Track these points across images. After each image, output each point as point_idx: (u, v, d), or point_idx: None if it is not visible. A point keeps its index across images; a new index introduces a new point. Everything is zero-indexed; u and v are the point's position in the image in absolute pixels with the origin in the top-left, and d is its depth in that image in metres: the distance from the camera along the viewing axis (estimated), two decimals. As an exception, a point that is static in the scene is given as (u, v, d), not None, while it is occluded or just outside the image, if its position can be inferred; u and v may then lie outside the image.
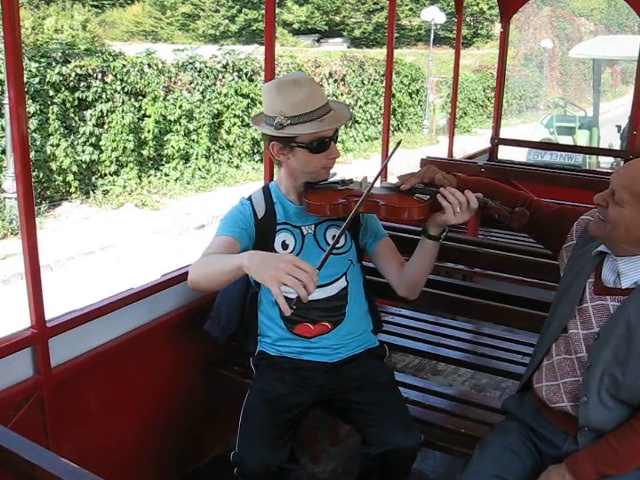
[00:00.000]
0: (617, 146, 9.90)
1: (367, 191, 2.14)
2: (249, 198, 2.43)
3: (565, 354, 2.02)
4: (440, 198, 2.10)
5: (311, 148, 2.24)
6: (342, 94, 16.90)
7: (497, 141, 6.27)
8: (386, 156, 4.46)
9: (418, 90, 20.66)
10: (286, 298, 1.76)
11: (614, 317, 1.90)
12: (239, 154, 13.69)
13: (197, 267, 2.11)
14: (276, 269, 1.78)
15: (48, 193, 10.85)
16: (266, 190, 2.45)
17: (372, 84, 17.98)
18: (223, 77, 13.36)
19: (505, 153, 6.58)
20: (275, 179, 2.48)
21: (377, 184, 2.31)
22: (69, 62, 10.82)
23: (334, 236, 2.34)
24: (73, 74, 10.78)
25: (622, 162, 6.41)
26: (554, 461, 2.00)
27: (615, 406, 1.91)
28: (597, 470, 1.89)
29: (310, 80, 2.31)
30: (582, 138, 11.53)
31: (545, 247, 2.29)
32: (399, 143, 2.27)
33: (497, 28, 7.53)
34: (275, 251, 2.35)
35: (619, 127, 10.54)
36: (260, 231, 2.35)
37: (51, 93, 10.54)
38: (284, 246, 2.36)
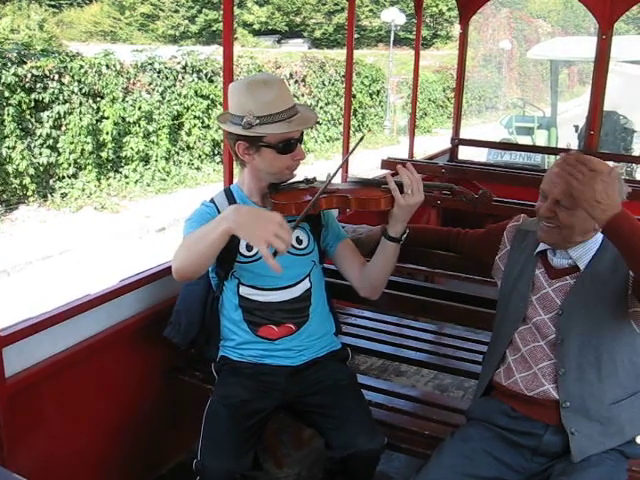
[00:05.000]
0: (575, 146, 9.97)
1: (329, 180, 2.23)
2: (212, 201, 2.40)
3: (534, 342, 2.08)
4: (396, 177, 2.19)
5: (278, 148, 2.23)
6: (303, 95, 16.87)
7: (457, 141, 6.29)
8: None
9: (379, 91, 20.76)
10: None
11: (574, 290, 2.01)
12: (199, 156, 13.57)
13: (179, 255, 2.08)
14: (264, 230, 1.85)
15: (4, 197, 10.66)
16: (228, 192, 2.43)
17: (333, 85, 18.00)
18: (183, 78, 13.22)
19: (465, 153, 6.62)
20: (236, 181, 2.45)
21: (341, 180, 2.35)
22: (25, 63, 10.62)
23: (298, 237, 2.37)
24: (29, 75, 10.58)
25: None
26: (535, 453, 2.04)
27: (596, 380, 1.98)
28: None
29: (279, 81, 2.31)
30: (541, 138, 11.63)
31: (480, 262, 2.38)
32: (362, 138, 2.33)
33: (456, 29, 7.59)
34: (240, 253, 2.33)
35: (577, 127, 10.65)
36: None
37: (6, 94, 10.34)
38: (249, 247, 2.33)
